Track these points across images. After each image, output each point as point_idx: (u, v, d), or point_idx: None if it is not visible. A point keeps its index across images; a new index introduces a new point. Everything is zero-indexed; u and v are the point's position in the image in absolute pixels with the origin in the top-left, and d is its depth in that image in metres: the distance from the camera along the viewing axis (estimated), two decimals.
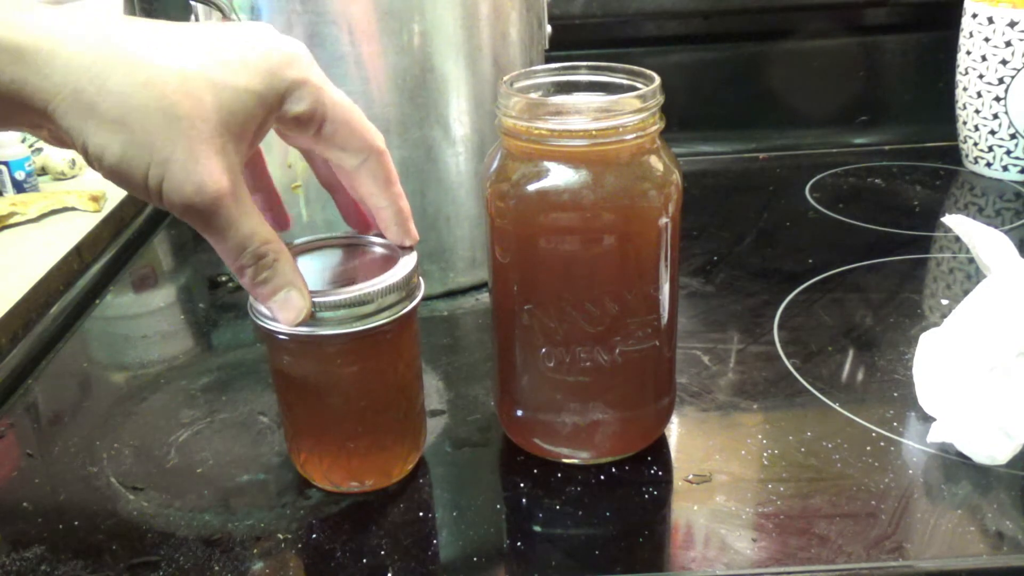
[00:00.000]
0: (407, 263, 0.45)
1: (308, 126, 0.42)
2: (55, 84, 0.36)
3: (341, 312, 0.42)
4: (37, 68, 0.35)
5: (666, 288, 0.46)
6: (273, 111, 0.40)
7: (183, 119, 0.37)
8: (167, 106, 0.36)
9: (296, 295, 0.41)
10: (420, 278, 0.46)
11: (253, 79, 0.39)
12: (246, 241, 0.40)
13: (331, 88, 0.42)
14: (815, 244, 0.75)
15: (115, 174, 0.38)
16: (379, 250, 0.47)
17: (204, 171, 0.37)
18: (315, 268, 0.46)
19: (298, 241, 0.48)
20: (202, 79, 0.37)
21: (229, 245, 0.39)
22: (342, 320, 0.43)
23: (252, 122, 0.39)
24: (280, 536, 0.45)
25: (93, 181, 0.90)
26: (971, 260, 0.69)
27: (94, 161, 0.38)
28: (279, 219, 0.49)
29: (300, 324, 0.42)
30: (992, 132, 0.86)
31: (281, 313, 0.42)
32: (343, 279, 0.45)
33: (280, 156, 0.63)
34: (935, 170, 0.91)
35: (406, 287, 0.44)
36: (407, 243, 0.47)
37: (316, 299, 0.42)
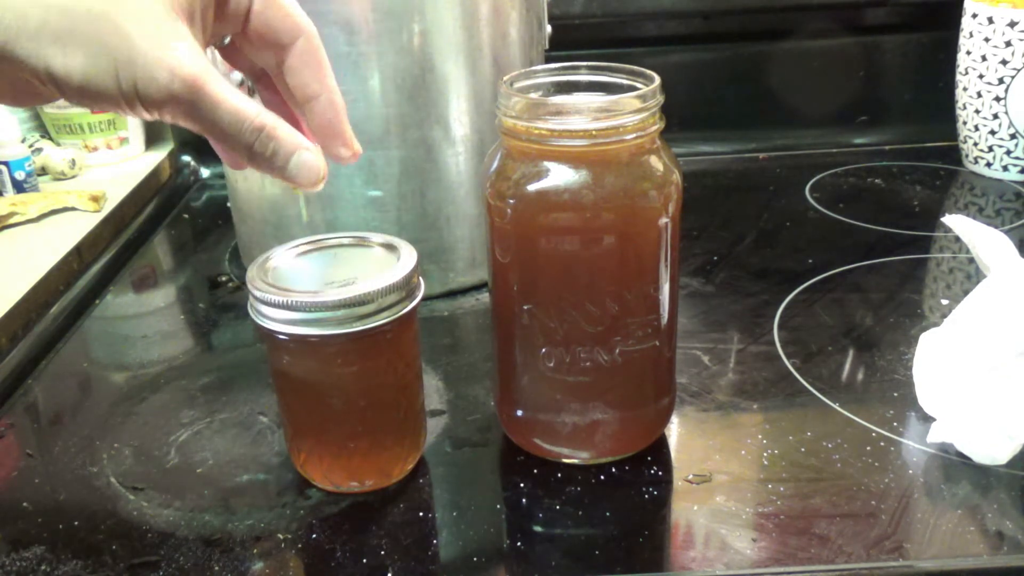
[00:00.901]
0: (407, 263, 0.45)
1: (238, 8, 0.41)
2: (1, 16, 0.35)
3: (341, 312, 0.42)
4: None
5: (666, 288, 0.46)
6: None
7: (132, 12, 0.36)
8: (112, 5, 0.35)
9: (308, 156, 0.40)
10: (420, 278, 0.46)
11: None
12: (240, 115, 0.38)
13: None
14: (815, 244, 0.75)
15: (86, 91, 0.37)
16: (379, 250, 0.47)
17: (172, 57, 0.36)
18: (315, 268, 0.46)
19: (298, 241, 0.48)
20: None
21: (225, 124, 0.38)
22: (342, 320, 0.43)
23: (197, 3, 0.38)
24: (280, 536, 0.45)
25: (93, 181, 0.90)
26: (971, 260, 0.69)
27: (62, 85, 0.36)
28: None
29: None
30: (992, 132, 0.86)
31: (301, 177, 0.40)
32: (343, 279, 0.45)
33: None
34: (935, 170, 0.91)
35: (406, 287, 0.44)
36: (342, 150, 0.44)
37: (316, 299, 0.42)
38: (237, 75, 0.47)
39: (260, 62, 0.44)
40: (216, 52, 0.45)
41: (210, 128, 0.39)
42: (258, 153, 0.39)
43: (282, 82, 0.44)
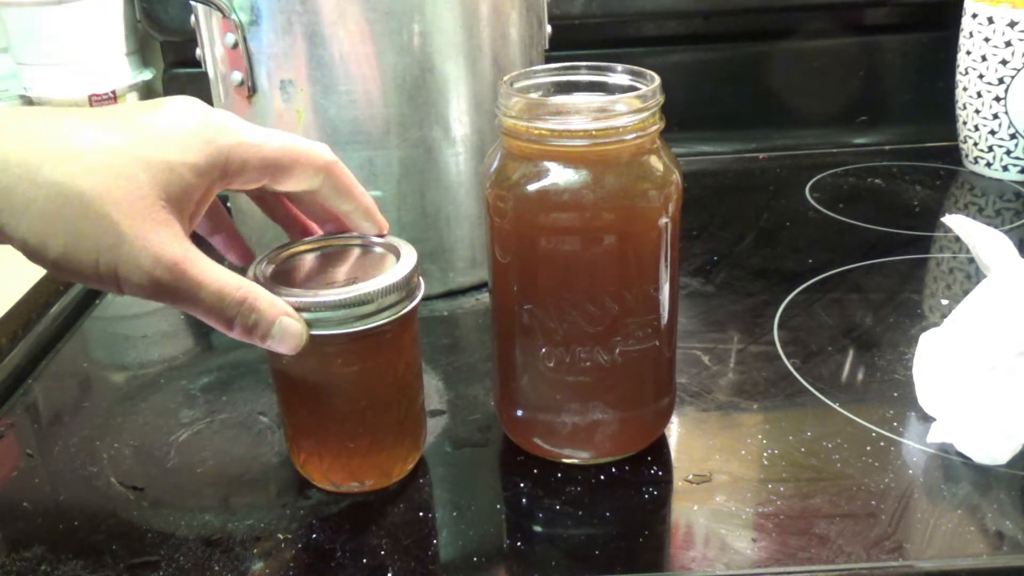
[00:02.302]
0: (407, 263, 0.45)
1: (259, 180, 0.43)
2: None
3: (341, 312, 0.42)
4: None
5: (666, 288, 0.46)
6: (215, 181, 0.41)
7: (121, 201, 0.37)
8: (103, 192, 0.36)
9: (288, 322, 0.41)
10: (420, 278, 0.46)
11: (186, 153, 0.39)
12: (220, 295, 0.39)
13: (266, 137, 0.42)
14: (815, 244, 0.75)
15: (61, 267, 0.38)
16: (379, 250, 0.47)
17: (154, 245, 0.37)
18: (315, 268, 0.46)
19: (298, 241, 0.48)
20: (133, 158, 0.38)
21: (206, 305, 0.39)
22: (342, 320, 0.43)
23: (192, 193, 0.40)
24: (280, 536, 0.45)
25: None
26: (971, 260, 0.69)
27: (35, 256, 0.38)
28: (243, 254, 0.50)
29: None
30: (992, 132, 0.86)
31: (283, 346, 0.42)
32: (343, 279, 0.45)
33: None
34: (935, 170, 0.91)
35: (406, 287, 0.44)
36: (374, 232, 0.47)
37: (316, 299, 0.42)
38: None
39: (287, 193, 0.46)
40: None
41: (192, 308, 0.40)
42: (240, 325, 0.40)
43: (307, 204, 0.47)
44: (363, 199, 0.46)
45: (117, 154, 0.37)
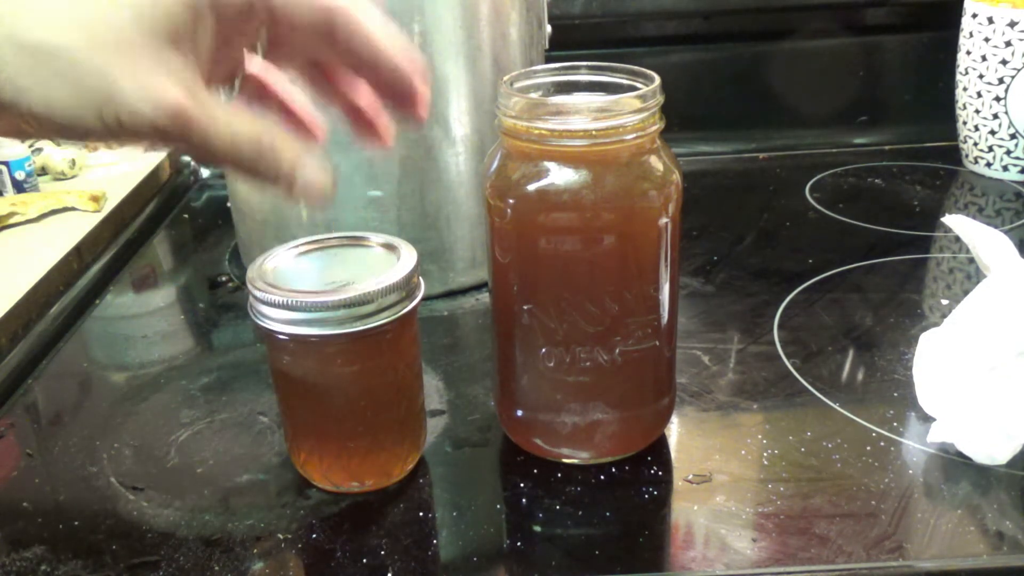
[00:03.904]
0: (407, 263, 0.45)
1: (251, 14, 0.38)
2: None
3: (341, 312, 0.42)
4: None
5: (666, 288, 0.46)
6: (201, 11, 0.37)
7: (107, 47, 0.34)
8: (87, 41, 0.34)
9: (310, 172, 0.38)
10: (420, 278, 0.46)
11: None
12: (233, 140, 0.37)
13: None
14: (815, 244, 0.75)
15: (71, 130, 0.36)
16: (379, 250, 0.47)
17: (153, 88, 0.35)
18: (315, 268, 0.46)
19: (298, 241, 0.48)
20: (112, 1, 0.35)
21: (219, 152, 0.37)
22: (342, 320, 0.43)
23: (183, 23, 0.36)
24: (280, 536, 0.45)
25: (93, 181, 0.90)
26: (971, 260, 0.69)
27: (45, 124, 0.35)
28: (310, 129, 0.44)
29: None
30: (992, 132, 0.86)
31: (307, 197, 0.39)
32: (343, 279, 0.45)
33: None
34: (935, 170, 0.91)
35: (406, 287, 0.44)
36: (416, 117, 0.41)
37: (316, 299, 0.42)
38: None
39: (315, 56, 0.42)
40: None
41: (205, 153, 0.37)
42: (261, 176, 0.38)
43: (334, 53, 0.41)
44: (386, 51, 0.39)
45: (93, 0, 0.35)
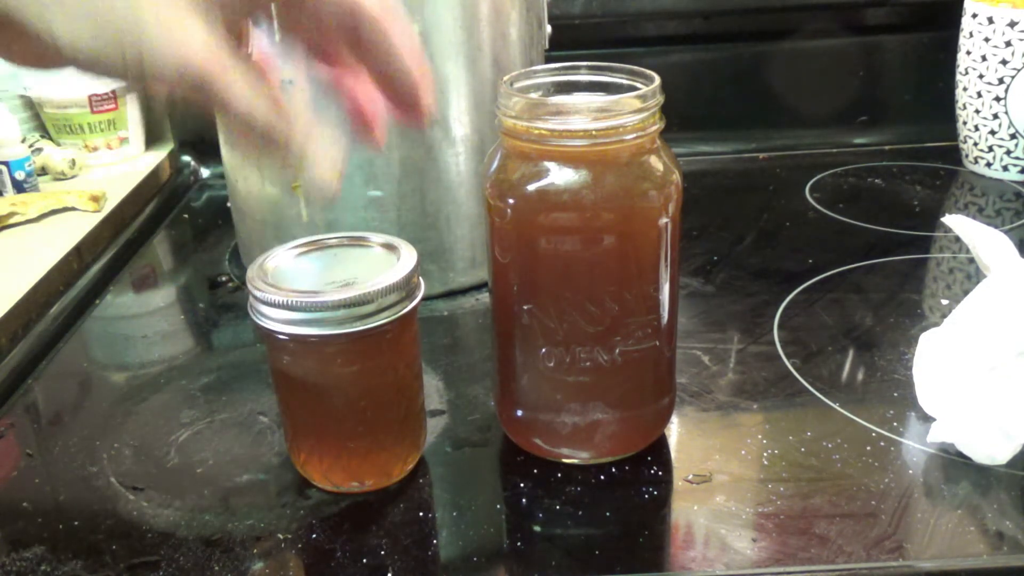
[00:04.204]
0: (407, 263, 0.45)
1: None
2: None
3: (341, 312, 0.42)
4: None
5: (666, 288, 0.46)
6: None
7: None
8: None
9: (322, 156, 0.38)
10: (420, 278, 0.46)
11: None
12: (250, 99, 0.37)
13: None
14: (815, 244, 0.75)
15: (92, 65, 0.36)
16: (379, 250, 0.47)
17: (181, 40, 0.35)
18: (315, 268, 0.46)
19: (298, 241, 0.48)
20: None
21: (235, 108, 0.36)
22: (342, 320, 0.43)
23: None
24: (280, 536, 0.45)
25: (93, 181, 0.90)
26: (971, 260, 0.69)
27: (69, 54, 0.35)
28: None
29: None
30: (992, 132, 0.86)
31: (318, 179, 0.38)
32: (343, 279, 0.45)
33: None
34: (935, 170, 0.91)
35: (406, 287, 0.44)
36: (422, 124, 0.42)
37: (316, 299, 0.42)
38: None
39: (326, 43, 0.42)
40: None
41: (222, 107, 0.36)
42: (277, 152, 0.38)
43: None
44: (402, 63, 0.40)
45: None
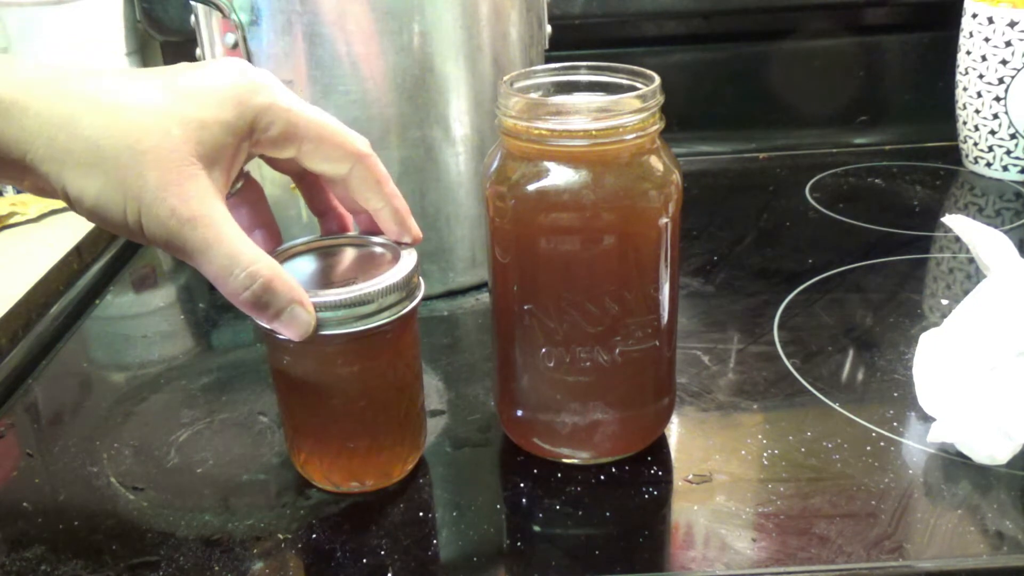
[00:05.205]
0: (407, 263, 0.45)
1: (285, 147, 0.43)
2: (31, 134, 0.38)
3: (341, 312, 0.42)
4: (12, 120, 0.38)
5: (666, 288, 0.46)
6: (244, 139, 0.42)
7: (150, 152, 0.38)
8: (134, 142, 0.38)
9: (299, 311, 0.41)
10: (420, 278, 0.46)
11: (220, 110, 0.40)
12: (231, 261, 0.40)
13: (302, 107, 0.43)
14: (815, 244, 0.75)
15: (96, 215, 0.40)
16: (379, 250, 0.47)
17: (175, 197, 0.39)
18: (315, 268, 0.46)
19: (298, 241, 0.48)
20: (168, 114, 0.39)
21: (213, 268, 0.40)
22: (342, 320, 0.43)
23: (224, 151, 0.41)
24: (280, 536, 0.45)
25: None
26: (971, 260, 0.69)
27: (75, 204, 0.40)
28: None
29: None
30: (992, 132, 0.86)
31: (288, 331, 0.42)
32: (343, 279, 0.45)
33: None
34: (935, 170, 0.91)
35: (406, 287, 0.44)
36: (407, 239, 0.47)
37: (316, 299, 0.42)
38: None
39: (319, 175, 0.46)
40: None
41: (201, 267, 0.40)
42: (249, 300, 0.41)
43: (340, 190, 0.47)
44: (394, 199, 0.46)
45: (153, 110, 0.39)
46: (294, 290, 0.41)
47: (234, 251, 0.40)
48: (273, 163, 0.46)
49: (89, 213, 0.40)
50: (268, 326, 0.42)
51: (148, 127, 0.39)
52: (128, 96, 0.39)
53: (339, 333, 0.43)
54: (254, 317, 0.42)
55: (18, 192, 0.85)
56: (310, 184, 0.48)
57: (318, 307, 0.42)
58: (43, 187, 0.40)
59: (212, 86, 0.41)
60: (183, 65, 0.43)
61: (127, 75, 0.41)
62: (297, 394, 0.46)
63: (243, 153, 0.42)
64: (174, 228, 0.39)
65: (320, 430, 0.47)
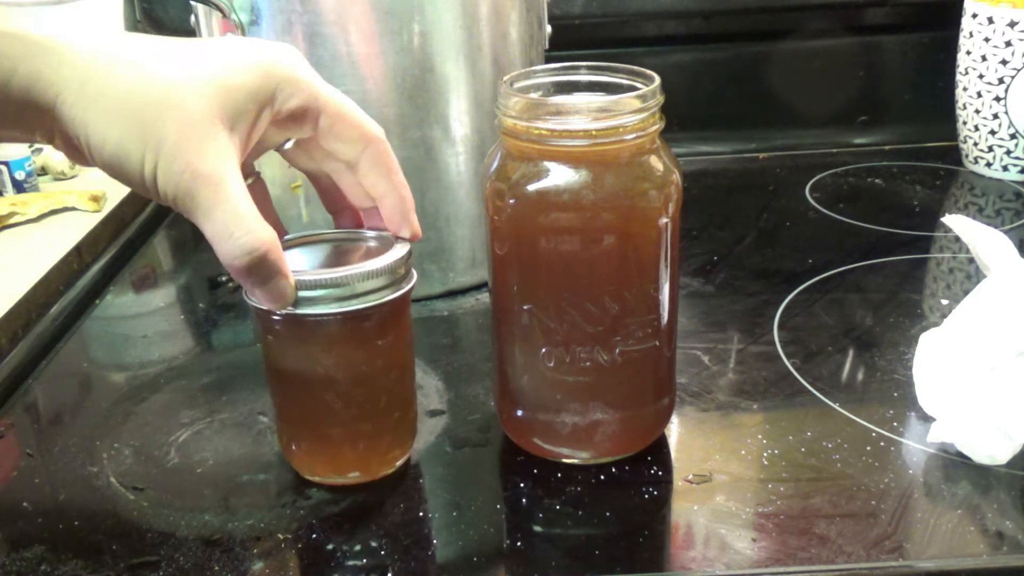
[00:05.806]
0: (394, 253, 0.45)
1: (303, 121, 0.44)
2: (64, 77, 0.39)
3: (319, 291, 0.43)
4: (51, 63, 0.39)
5: (666, 288, 0.46)
6: (264, 106, 0.42)
7: (174, 108, 0.39)
8: (161, 99, 0.39)
9: (284, 283, 0.42)
10: (412, 272, 0.46)
11: (247, 76, 0.41)
12: (232, 226, 0.40)
13: (323, 84, 0.44)
14: (815, 244, 0.75)
15: (112, 165, 0.40)
16: (374, 244, 0.48)
17: (193, 153, 0.39)
18: (309, 258, 0.46)
19: (294, 235, 0.48)
20: (196, 78, 0.40)
21: (216, 227, 0.40)
22: (320, 299, 0.43)
23: (245, 116, 0.41)
24: (280, 536, 0.45)
25: (93, 181, 0.90)
26: (971, 260, 0.68)
27: (93, 151, 0.40)
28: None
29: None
30: (992, 132, 0.86)
31: (268, 299, 0.43)
32: (331, 265, 0.45)
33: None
34: (935, 170, 0.91)
35: (389, 275, 0.44)
36: (406, 234, 0.47)
37: (298, 277, 0.43)
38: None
39: (327, 166, 0.48)
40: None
41: (203, 225, 0.41)
42: (239, 264, 0.41)
43: (350, 178, 0.47)
44: (400, 188, 0.47)
45: (183, 74, 0.40)
46: (282, 263, 0.42)
47: (239, 213, 0.40)
48: (291, 157, 0.47)
49: (106, 163, 0.40)
50: (250, 292, 0.43)
51: (176, 87, 0.40)
52: (162, 58, 0.41)
53: (316, 312, 0.43)
54: (240, 280, 0.42)
55: (18, 192, 0.85)
56: (325, 183, 0.49)
57: (299, 285, 0.43)
58: (64, 132, 0.40)
59: (240, 54, 0.42)
60: (213, 39, 0.44)
61: (163, 41, 0.43)
62: (277, 375, 0.47)
63: (264, 122, 0.43)
64: (186, 183, 0.39)
65: (299, 415, 0.47)
